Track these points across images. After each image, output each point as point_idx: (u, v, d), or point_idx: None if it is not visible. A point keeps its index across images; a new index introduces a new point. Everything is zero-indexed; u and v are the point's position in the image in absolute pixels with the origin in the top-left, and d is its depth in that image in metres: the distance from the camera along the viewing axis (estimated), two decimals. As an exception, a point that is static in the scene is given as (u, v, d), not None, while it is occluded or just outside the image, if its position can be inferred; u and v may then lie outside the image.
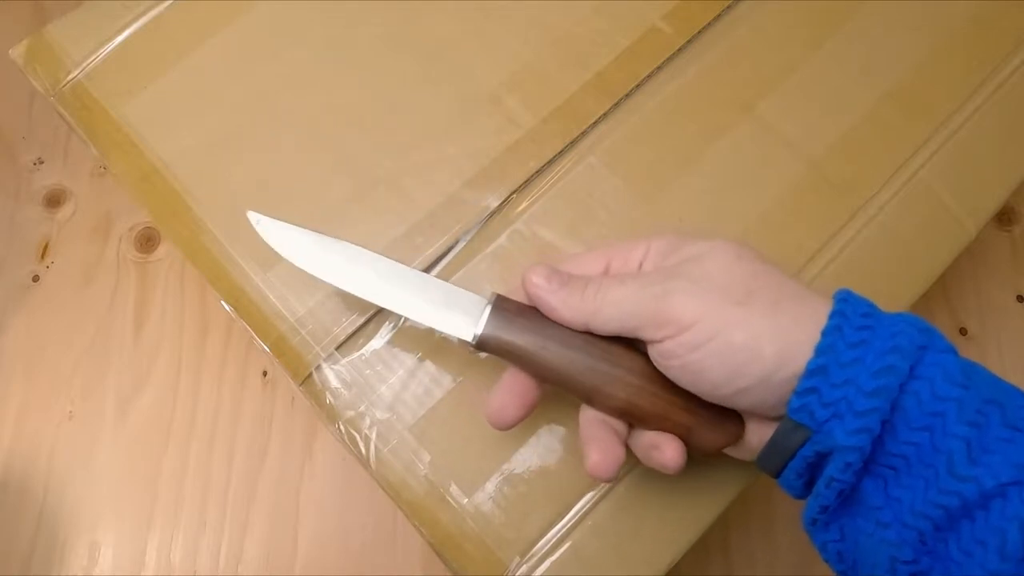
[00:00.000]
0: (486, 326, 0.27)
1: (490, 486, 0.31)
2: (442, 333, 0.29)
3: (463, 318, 0.28)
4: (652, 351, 0.26)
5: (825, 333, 0.24)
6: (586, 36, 0.37)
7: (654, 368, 0.27)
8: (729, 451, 0.28)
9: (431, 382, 0.32)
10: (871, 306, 0.25)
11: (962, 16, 0.39)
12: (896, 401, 0.23)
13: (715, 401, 0.26)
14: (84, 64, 0.36)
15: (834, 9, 0.38)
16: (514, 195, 0.35)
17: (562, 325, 0.28)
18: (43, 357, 0.45)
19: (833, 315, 0.24)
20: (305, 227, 0.29)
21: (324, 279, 0.29)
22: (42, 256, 0.47)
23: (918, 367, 0.23)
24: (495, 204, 0.34)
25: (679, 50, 0.37)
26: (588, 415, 0.28)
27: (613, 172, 0.35)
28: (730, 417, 0.27)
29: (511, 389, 0.28)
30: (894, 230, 0.35)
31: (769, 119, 0.36)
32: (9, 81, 0.50)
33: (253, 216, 0.29)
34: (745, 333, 0.24)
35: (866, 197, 0.35)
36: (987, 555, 0.21)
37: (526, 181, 0.35)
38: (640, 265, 0.28)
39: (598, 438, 0.27)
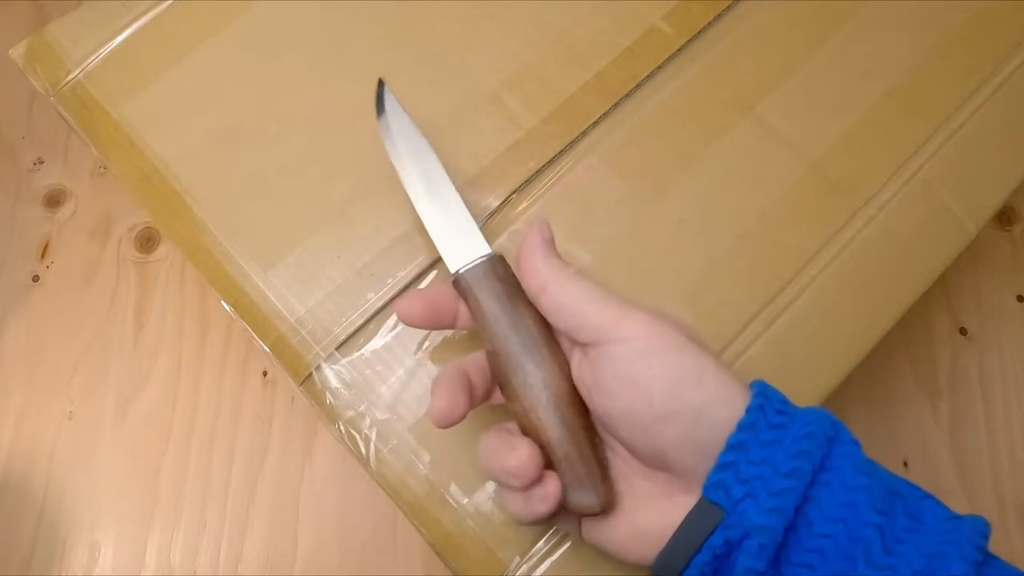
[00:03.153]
0: (468, 271, 0.29)
1: (490, 486, 0.31)
2: (439, 252, 0.30)
3: (459, 253, 0.29)
4: (586, 358, 0.26)
5: (749, 410, 0.24)
6: (586, 36, 0.37)
7: (571, 398, 0.27)
8: (626, 546, 0.26)
9: (431, 382, 0.32)
10: (785, 398, 0.26)
11: (962, 16, 0.39)
12: (809, 493, 0.23)
13: (637, 432, 0.25)
14: (84, 64, 0.36)
15: (834, 9, 0.38)
16: (514, 195, 0.35)
17: (525, 301, 0.28)
18: (43, 357, 0.45)
19: (756, 395, 0.25)
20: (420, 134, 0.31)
21: (390, 155, 0.30)
22: (42, 256, 0.47)
23: (828, 459, 0.24)
24: (495, 204, 0.34)
25: (679, 50, 0.37)
26: (455, 364, 0.28)
27: (613, 172, 0.35)
28: (599, 487, 0.26)
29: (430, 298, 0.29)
30: (894, 230, 0.35)
31: (769, 119, 0.36)
32: (9, 81, 0.50)
33: (385, 87, 0.31)
34: (694, 360, 0.25)
35: (866, 197, 0.35)
36: None
37: (526, 181, 0.35)
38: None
39: (448, 384, 0.27)
